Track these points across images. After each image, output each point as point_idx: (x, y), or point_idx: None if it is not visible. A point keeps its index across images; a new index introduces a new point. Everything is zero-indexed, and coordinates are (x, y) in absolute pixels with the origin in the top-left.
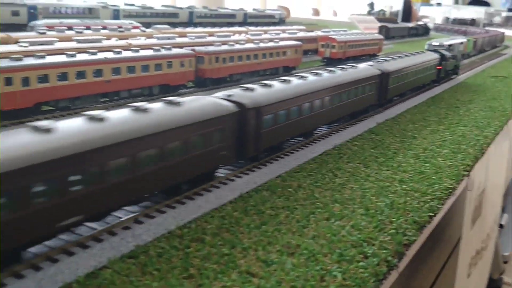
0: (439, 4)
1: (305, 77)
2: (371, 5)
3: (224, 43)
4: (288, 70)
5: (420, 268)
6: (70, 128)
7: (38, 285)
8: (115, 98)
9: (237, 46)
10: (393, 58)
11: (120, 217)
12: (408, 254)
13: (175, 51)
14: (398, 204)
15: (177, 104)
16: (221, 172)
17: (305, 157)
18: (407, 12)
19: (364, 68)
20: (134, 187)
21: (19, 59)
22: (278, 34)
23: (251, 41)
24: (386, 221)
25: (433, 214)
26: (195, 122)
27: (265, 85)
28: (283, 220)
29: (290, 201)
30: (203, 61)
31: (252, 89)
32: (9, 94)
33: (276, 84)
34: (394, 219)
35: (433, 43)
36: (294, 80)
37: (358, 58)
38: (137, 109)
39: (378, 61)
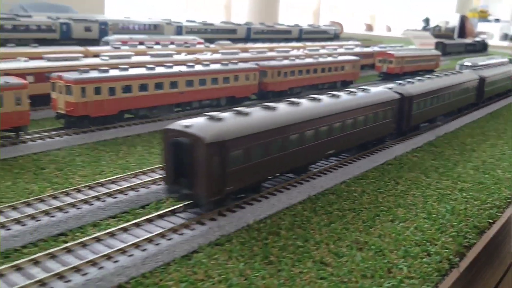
0: (497, 20)
1: (432, 78)
2: (427, 20)
3: (285, 58)
4: (346, 84)
5: (481, 273)
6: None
7: (142, 263)
8: (187, 108)
9: (298, 61)
10: (485, 67)
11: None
12: (469, 256)
13: (241, 65)
14: (458, 210)
15: (367, 90)
16: (290, 176)
17: (368, 166)
18: (463, 28)
19: (467, 73)
20: (354, 138)
21: (106, 71)
22: (336, 49)
23: (310, 56)
24: (447, 224)
25: (492, 221)
26: (380, 102)
27: (409, 82)
28: (350, 220)
29: (356, 204)
30: (266, 75)
31: (403, 84)
32: (98, 102)
33: (416, 82)
34: (455, 223)
35: (465, 64)
36: (426, 80)
37: (415, 74)
38: (350, 93)
39: (475, 69)
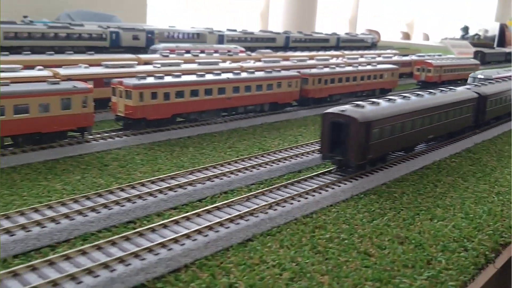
0: None
1: (506, 80)
2: (465, 29)
3: (325, 66)
4: (384, 92)
5: None
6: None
7: (205, 247)
8: (233, 113)
9: (338, 69)
10: None
11: (257, 203)
12: (504, 254)
13: (284, 73)
14: (495, 211)
15: (453, 90)
16: (332, 177)
17: (407, 170)
18: (503, 37)
19: None
20: (446, 126)
21: (161, 78)
22: (374, 58)
23: (350, 64)
24: (484, 224)
25: None
26: (464, 99)
27: (483, 84)
28: (391, 218)
29: (396, 204)
30: (307, 82)
31: (479, 86)
32: (154, 106)
33: (488, 84)
34: (491, 223)
35: (478, 76)
36: (496, 83)
37: (453, 83)
38: (442, 91)
39: None
